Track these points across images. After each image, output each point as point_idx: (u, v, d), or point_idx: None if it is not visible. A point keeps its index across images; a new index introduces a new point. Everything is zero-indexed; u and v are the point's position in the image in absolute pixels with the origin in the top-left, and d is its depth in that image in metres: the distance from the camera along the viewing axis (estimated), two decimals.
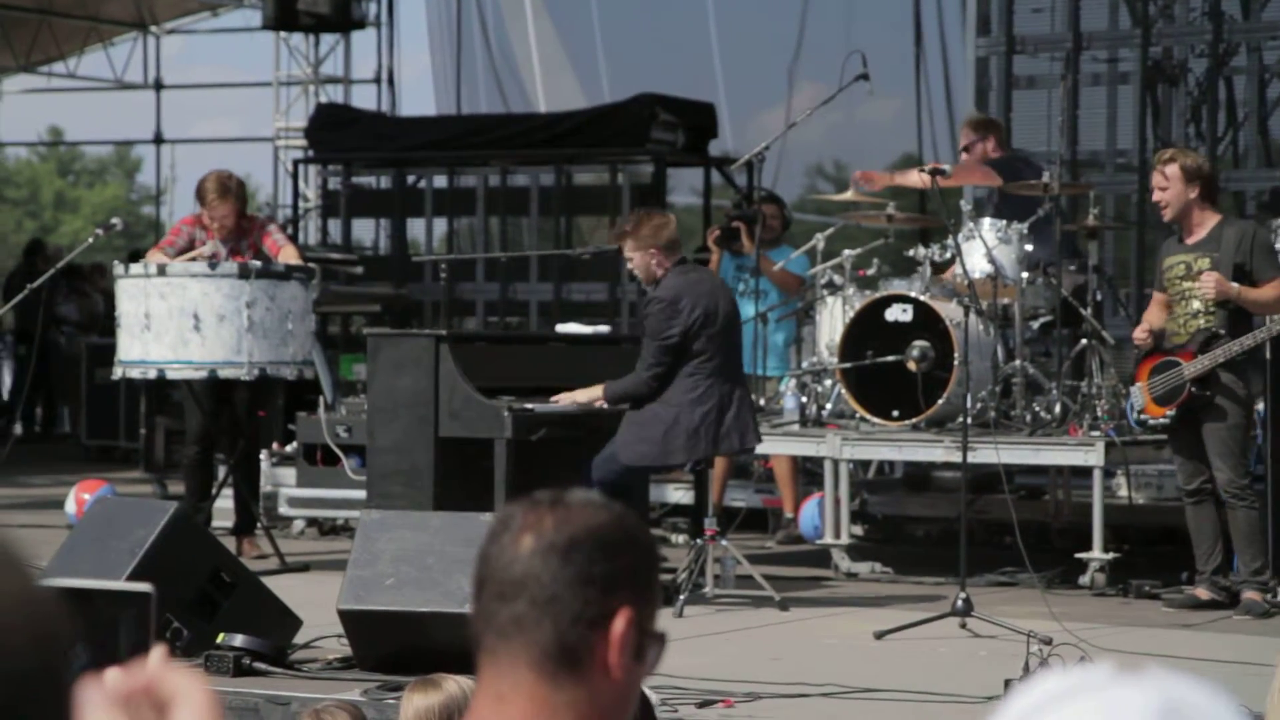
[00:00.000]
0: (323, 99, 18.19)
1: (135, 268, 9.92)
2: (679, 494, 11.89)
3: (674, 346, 8.98)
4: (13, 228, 47.87)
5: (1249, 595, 9.12)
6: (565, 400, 9.26)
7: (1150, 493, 11.64)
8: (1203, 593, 9.25)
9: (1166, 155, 9.26)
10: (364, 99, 18.92)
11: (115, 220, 10.35)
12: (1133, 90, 12.74)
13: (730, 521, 11.43)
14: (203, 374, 9.87)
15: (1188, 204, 9.15)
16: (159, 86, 21.85)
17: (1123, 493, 10.98)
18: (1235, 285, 9.00)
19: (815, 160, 22.93)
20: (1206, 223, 9.18)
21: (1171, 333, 9.27)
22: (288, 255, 10.30)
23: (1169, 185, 9.14)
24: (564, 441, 9.36)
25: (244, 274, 9.75)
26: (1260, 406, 9.51)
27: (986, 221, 10.57)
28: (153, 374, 9.94)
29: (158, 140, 22.59)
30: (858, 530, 11.44)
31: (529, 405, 9.20)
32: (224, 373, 9.81)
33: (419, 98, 39.29)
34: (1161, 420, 9.26)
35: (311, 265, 10.48)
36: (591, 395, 9.23)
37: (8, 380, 20.62)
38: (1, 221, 48.04)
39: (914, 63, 16.80)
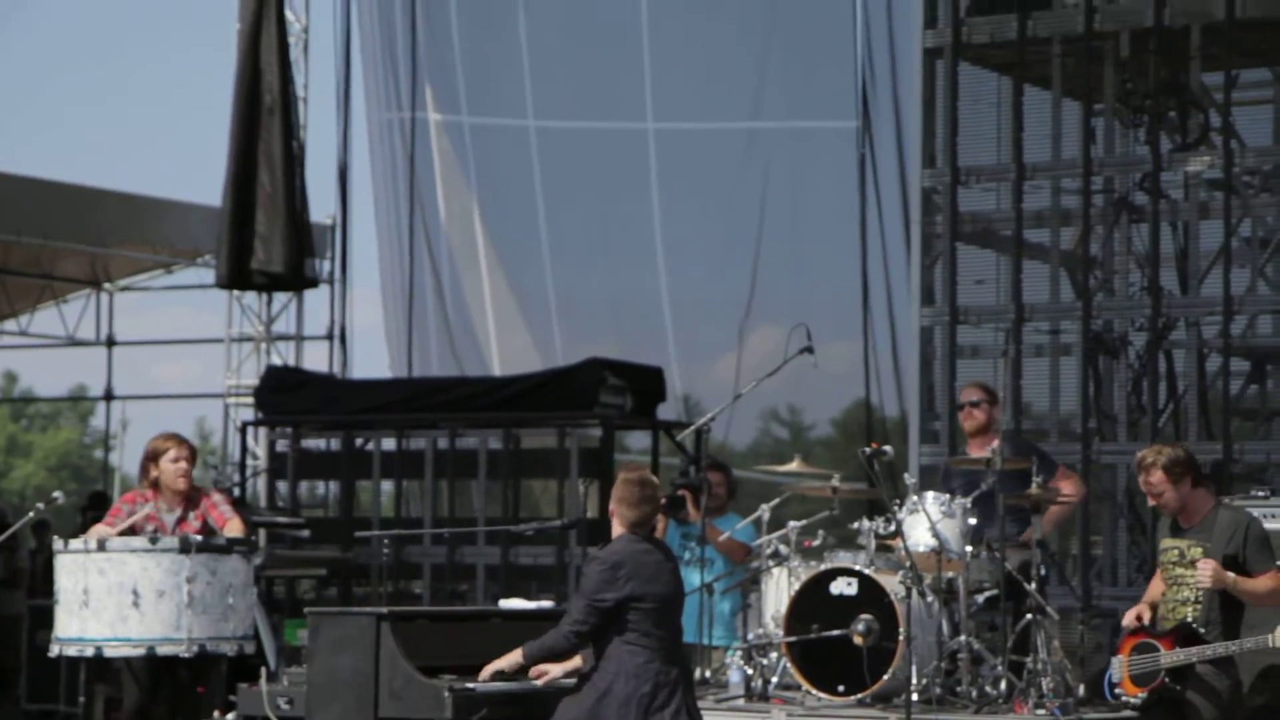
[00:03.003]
0: (274, 356, 18.24)
1: (75, 543, 9.88)
2: None
3: (604, 610, 8.90)
4: None
5: None
6: (487, 673, 9.15)
7: None
8: None
9: (1147, 461, 9.12)
10: (316, 354, 18.97)
11: (57, 494, 10.37)
12: (1075, 361, 12.88)
13: None
14: (141, 651, 9.79)
15: (1185, 496, 9.14)
16: (111, 343, 21.90)
17: None
18: (1231, 575, 8.93)
19: (769, 405, 23.04)
20: (1200, 509, 9.13)
21: (1161, 616, 9.22)
22: (233, 528, 10.27)
23: (1162, 490, 9.10)
24: None
25: (185, 548, 9.71)
26: None
27: (930, 495, 10.63)
28: (90, 651, 9.84)
29: (108, 397, 22.61)
30: None
31: (470, 684, 9.11)
32: (162, 650, 9.74)
33: (372, 349, 39.22)
34: (1133, 700, 9.18)
35: (254, 538, 10.44)
36: (511, 660, 9.12)
37: None
38: None
39: (861, 324, 16.95)
